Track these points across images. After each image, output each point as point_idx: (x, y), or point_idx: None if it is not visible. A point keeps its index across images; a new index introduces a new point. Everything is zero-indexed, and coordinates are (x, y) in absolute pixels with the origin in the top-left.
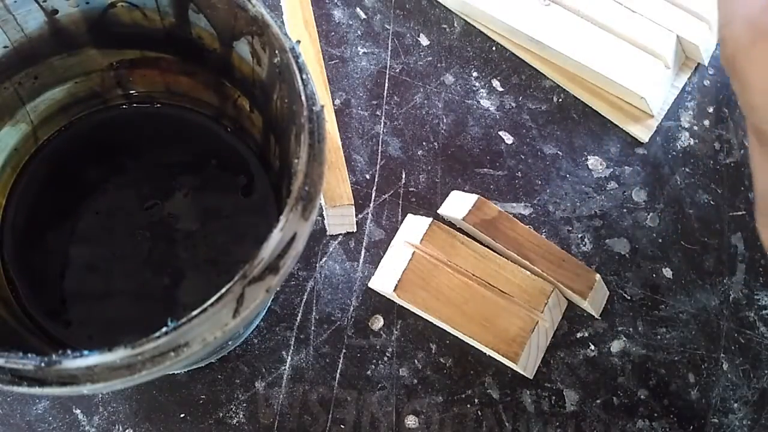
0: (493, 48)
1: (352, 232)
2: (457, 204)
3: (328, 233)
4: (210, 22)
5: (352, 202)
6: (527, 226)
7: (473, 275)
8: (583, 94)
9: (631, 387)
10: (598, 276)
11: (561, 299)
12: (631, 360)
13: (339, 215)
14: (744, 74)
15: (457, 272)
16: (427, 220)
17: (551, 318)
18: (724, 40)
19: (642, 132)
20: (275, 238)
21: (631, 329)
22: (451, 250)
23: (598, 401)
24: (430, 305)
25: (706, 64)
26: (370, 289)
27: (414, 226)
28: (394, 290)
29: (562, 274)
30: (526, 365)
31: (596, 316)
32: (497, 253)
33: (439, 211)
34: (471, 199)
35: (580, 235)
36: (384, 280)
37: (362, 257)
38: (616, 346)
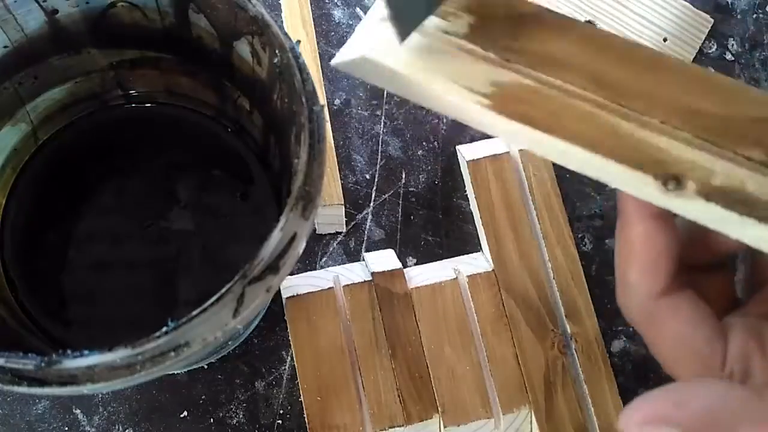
0: None
1: (352, 231)
2: (380, 260)
3: (316, 232)
4: (210, 22)
5: (342, 202)
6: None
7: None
8: None
9: (631, 387)
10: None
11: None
12: (631, 360)
13: (329, 215)
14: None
15: None
16: None
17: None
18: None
19: None
20: (275, 238)
21: (631, 329)
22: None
23: None
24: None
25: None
26: None
27: None
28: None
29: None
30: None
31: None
32: None
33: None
34: (392, 263)
35: (580, 235)
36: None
37: (362, 257)
38: (616, 346)
